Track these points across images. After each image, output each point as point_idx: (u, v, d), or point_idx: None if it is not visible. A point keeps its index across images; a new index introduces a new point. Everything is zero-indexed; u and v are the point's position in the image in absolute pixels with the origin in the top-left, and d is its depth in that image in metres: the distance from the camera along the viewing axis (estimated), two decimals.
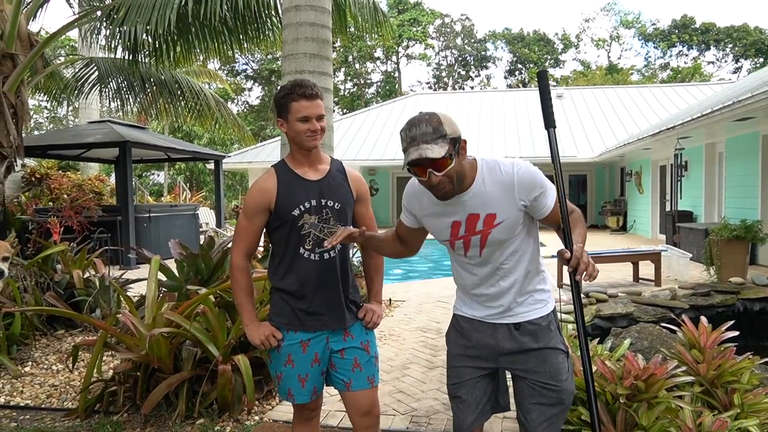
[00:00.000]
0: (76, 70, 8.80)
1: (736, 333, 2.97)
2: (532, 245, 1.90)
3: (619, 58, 43.23)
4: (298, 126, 2.01)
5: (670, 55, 39.85)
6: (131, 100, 8.74)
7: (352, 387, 2.11)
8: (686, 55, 39.48)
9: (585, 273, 1.64)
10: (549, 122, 1.81)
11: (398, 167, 19.72)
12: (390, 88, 40.17)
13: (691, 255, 8.25)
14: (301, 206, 2.05)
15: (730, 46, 37.37)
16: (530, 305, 1.90)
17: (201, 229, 13.35)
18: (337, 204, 2.09)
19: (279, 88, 2.15)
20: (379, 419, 2.23)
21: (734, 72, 37.14)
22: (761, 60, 35.30)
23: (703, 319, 3.09)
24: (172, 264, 4.66)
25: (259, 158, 18.97)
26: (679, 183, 11.87)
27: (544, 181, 1.80)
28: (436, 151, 1.65)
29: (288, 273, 2.09)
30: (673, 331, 3.30)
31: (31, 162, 15.57)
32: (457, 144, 1.71)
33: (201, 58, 7.97)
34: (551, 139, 1.80)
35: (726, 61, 38.67)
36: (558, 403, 1.88)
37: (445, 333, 2.10)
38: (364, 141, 19.40)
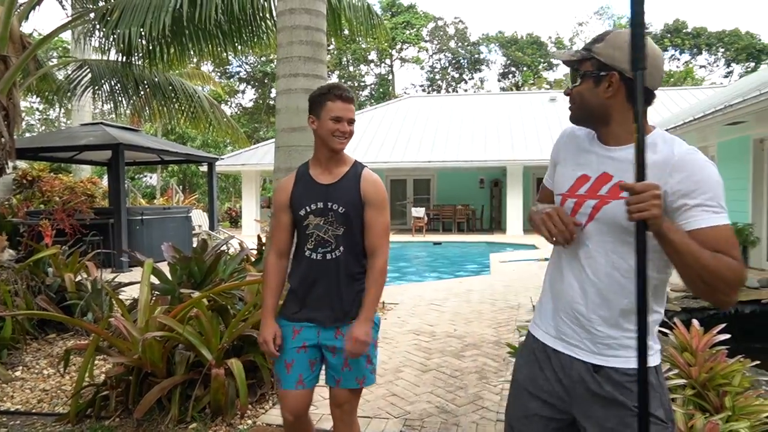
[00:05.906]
0: (69, 72, 8.74)
1: (728, 336, 2.99)
2: (655, 261, 1.40)
3: None
4: (329, 125, 2.12)
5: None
6: (124, 103, 8.67)
7: (341, 385, 2.20)
8: (678, 59, 39.77)
9: (637, 210, 1.28)
10: (637, 62, 1.35)
11: (392, 170, 19.75)
12: (384, 91, 40.21)
13: None
14: (307, 207, 2.17)
15: (722, 50, 37.66)
16: (620, 349, 1.45)
17: (194, 232, 13.31)
18: (341, 208, 2.15)
19: (317, 87, 2.25)
20: (354, 413, 2.29)
21: (725, 76, 37.42)
22: (752, 64, 35.58)
23: (695, 322, 3.11)
24: (164, 267, 4.65)
25: (253, 160, 18.93)
26: None
27: (712, 190, 1.35)
28: (565, 54, 1.54)
29: (294, 269, 2.24)
30: (665, 334, 3.31)
31: (22, 164, 15.47)
32: (602, 71, 1.47)
33: (195, 60, 7.95)
34: (636, 86, 1.35)
35: (717, 65, 38.97)
36: None
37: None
38: (357, 143, 19.39)
